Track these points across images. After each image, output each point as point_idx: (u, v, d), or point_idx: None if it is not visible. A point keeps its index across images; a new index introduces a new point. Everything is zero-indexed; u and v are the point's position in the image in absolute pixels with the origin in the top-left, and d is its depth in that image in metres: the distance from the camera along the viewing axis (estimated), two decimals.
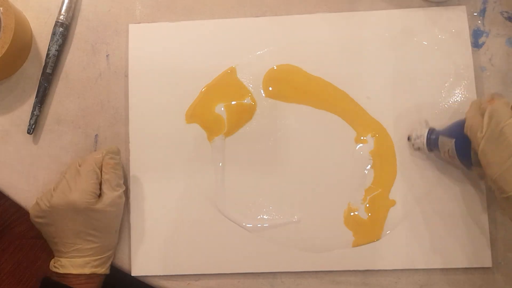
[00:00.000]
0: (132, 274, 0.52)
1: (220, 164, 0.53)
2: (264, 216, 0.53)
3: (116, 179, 0.48)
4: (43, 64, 0.55)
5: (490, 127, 0.42)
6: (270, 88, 0.55)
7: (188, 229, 0.53)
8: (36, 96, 0.54)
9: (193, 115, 0.54)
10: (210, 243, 0.52)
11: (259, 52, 0.55)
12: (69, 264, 0.47)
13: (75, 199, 0.46)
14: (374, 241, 0.51)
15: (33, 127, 0.54)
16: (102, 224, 0.47)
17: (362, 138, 0.53)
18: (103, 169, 0.48)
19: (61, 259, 0.47)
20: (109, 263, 0.50)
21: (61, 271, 0.47)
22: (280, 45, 0.55)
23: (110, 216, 0.48)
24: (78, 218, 0.46)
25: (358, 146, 0.53)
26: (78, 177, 0.47)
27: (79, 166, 0.48)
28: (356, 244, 0.51)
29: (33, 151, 0.55)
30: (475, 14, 0.54)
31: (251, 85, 0.55)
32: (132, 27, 0.56)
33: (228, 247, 0.52)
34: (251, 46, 0.55)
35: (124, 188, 0.50)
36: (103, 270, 0.49)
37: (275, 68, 0.55)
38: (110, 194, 0.47)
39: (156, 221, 0.53)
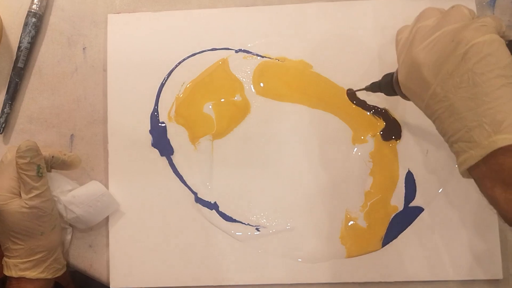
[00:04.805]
0: (111, 287, 0.50)
1: (207, 168, 0.51)
2: (255, 224, 0.50)
3: (28, 181, 0.45)
4: (14, 57, 0.53)
5: (409, 30, 0.38)
6: (262, 84, 0.52)
7: (171, 237, 0.50)
8: (7, 93, 0.52)
9: (176, 115, 0.52)
10: (195, 253, 0.50)
11: (249, 45, 0.53)
12: (4, 264, 0.45)
13: None
14: (374, 251, 0.49)
15: (3, 126, 0.52)
16: (19, 225, 0.45)
17: (361, 138, 0.51)
18: (17, 169, 0.46)
19: (4, 258, 0.46)
20: (44, 267, 0.47)
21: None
22: (271, 37, 0.53)
23: (26, 218, 0.45)
24: None
25: (356, 147, 0.51)
26: None
27: (3, 160, 0.46)
28: (354, 254, 0.49)
29: (3, 152, 0.51)
30: (485, 4, 0.52)
31: (243, 80, 0.53)
32: (111, 18, 0.54)
33: (215, 257, 0.50)
34: (240, 39, 0.53)
35: (41, 191, 0.46)
36: (34, 274, 0.46)
37: (267, 62, 0.52)
38: (24, 196, 0.45)
39: (136, 228, 0.51)
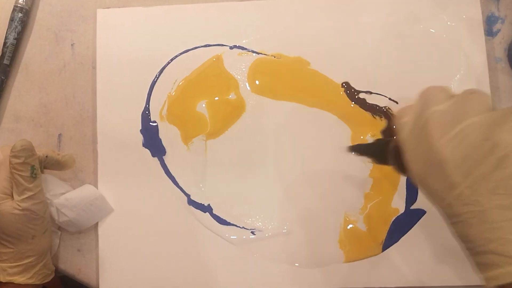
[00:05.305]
0: None
1: (200, 169, 0.50)
2: (250, 227, 0.49)
3: (21, 182, 0.44)
4: (0, 54, 0.51)
5: (416, 113, 0.33)
6: (257, 82, 0.51)
7: (163, 241, 0.49)
8: None
9: (169, 113, 0.51)
10: (188, 257, 0.49)
11: (244, 41, 0.51)
12: None
13: None
14: (374, 256, 0.48)
15: None
16: (10, 228, 0.44)
17: (361, 137, 0.49)
18: (10, 169, 0.44)
19: None
20: (33, 272, 0.45)
21: None
22: (267, 33, 0.51)
23: (18, 220, 0.44)
24: None
25: None
26: None
27: None
28: (353, 259, 0.48)
29: None
30: None
31: (238, 77, 0.51)
32: (100, 13, 0.52)
33: (209, 261, 0.49)
34: (235, 35, 0.51)
35: (34, 192, 0.45)
36: (23, 279, 0.44)
37: (262, 59, 0.51)
38: (16, 197, 0.44)
39: (127, 232, 0.49)
